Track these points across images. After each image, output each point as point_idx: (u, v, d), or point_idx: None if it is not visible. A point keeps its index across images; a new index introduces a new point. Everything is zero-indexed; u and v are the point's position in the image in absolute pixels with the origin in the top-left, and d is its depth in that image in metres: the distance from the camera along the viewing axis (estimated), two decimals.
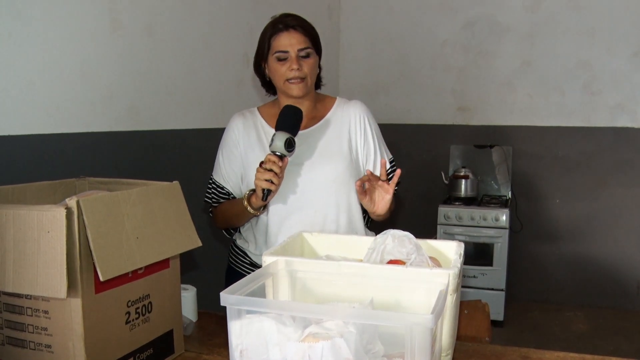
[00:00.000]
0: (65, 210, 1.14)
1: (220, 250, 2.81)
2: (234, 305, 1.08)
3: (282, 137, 1.56)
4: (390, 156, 1.85)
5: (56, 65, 2.04)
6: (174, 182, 1.43)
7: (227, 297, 1.08)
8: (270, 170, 1.54)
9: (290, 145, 1.57)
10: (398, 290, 1.26)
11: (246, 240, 1.83)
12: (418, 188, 4.27)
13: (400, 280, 1.25)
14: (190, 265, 2.63)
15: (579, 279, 4.16)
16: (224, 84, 3.03)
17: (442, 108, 4.35)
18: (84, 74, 2.17)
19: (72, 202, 1.14)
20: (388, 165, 1.79)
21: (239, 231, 1.87)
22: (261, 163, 1.57)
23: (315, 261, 1.33)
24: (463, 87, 4.29)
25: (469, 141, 4.26)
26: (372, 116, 1.83)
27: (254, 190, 1.61)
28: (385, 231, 1.39)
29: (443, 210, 3.88)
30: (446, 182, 4.08)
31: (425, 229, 3.87)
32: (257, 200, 1.60)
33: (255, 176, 1.57)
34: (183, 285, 1.67)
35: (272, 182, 1.55)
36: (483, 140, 4.21)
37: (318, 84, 1.82)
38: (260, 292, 1.27)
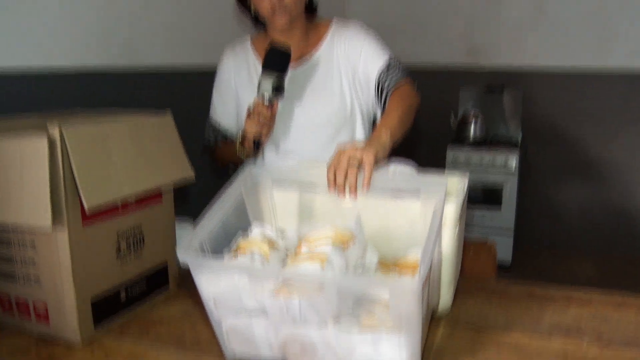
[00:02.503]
0: (48, 139, 1.08)
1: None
2: (194, 267, 1.00)
3: (270, 80, 1.43)
4: (387, 55, 1.63)
5: None
6: (165, 113, 1.37)
7: (184, 256, 0.99)
8: (259, 117, 1.44)
9: (279, 88, 1.44)
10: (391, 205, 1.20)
11: None
12: (426, 131, 4.17)
13: (396, 190, 1.19)
14: (187, 204, 2.58)
15: (589, 225, 4.10)
16: (225, 17, 2.91)
17: (451, 51, 4.20)
18: (75, 6, 2.07)
19: (54, 130, 1.08)
20: (382, 65, 1.60)
21: None
22: (249, 110, 1.46)
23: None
24: (473, 30, 4.13)
25: (479, 84, 4.13)
26: (362, 30, 1.65)
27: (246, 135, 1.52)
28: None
29: (451, 153, 3.80)
30: (455, 125, 3.99)
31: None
32: (249, 148, 1.51)
33: (245, 123, 1.47)
34: (180, 218, 1.62)
35: (261, 132, 1.46)
36: (493, 82, 4.08)
37: (311, 8, 1.67)
38: (240, 214, 1.21)
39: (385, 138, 1.33)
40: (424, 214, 1.17)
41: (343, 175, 1.15)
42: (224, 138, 1.72)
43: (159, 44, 2.54)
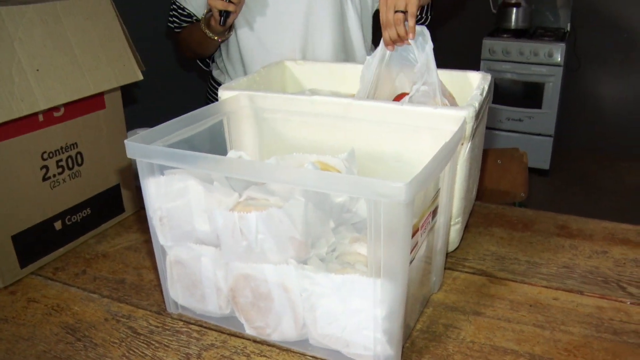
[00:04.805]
0: None
1: (196, 84, 2.47)
2: (143, 157, 0.77)
3: None
4: None
5: None
6: None
7: (133, 147, 0.77)
8: None
9: None
10: (394, 137, 0.92)
11: (222, 72, 1.50)
12: (461, 18, 3.70)
13: (393, 125, 0.90)
14: (156, 105, 2.29)
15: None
16: None
17: None
18: None
19: None
20: None
21: (215, 61, 1.53)
22: None
23: (281, 96, 0.99)
24: None
25: None
26: None
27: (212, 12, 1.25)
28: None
29: (488, 43, 3.36)
30: (494, 11, 3.51)
31: (466, 65, 3.39)
32: (216, 24, 1.24)
33: None
34: (139, 130, 1.39)
35: (229, 1, 1.20)
36: None
37: None
38: (212, 139, 0.96)
39: None
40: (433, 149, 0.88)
41: (395, 33, 1.06)
42: (189, 18, 1.43)
43: None
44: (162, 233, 0.82)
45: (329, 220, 0.79)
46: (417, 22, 1.06)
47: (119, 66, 1.08)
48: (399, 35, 1.05)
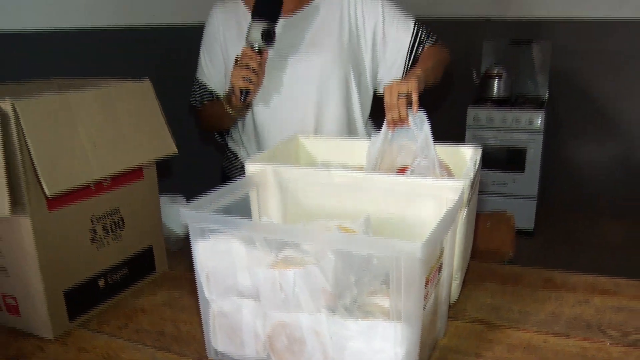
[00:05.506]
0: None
1: (216, 157, 2.65)
2: (195, 223, 0.91)
3: (259, 27, 1.35)
4: (412, 21, 1.56)
5: None
6: (144, 80, 1.24)
7: (188, 214, 0.91)
8: (247, 66, 1.35)
9: (268, 36, 1.36)
10: (401, 203, 1.07)
11: (237, 144, 1.66)
12: (446, 88, 3.97)
13: (399, 193, 1.06)
14: (181, 175, 2.46)
15: (618, 188, 3.87)
16: None
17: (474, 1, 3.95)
18: None
19: (6, 105, 0.96)
20: (411, 35, 1.55)
21: (230, 134, 1.69)
22: (237, 59, 1.38)
23: (303, 170, 1.14)
24: None
25: (504, 36, 3.88)
26: None
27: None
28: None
29: (472, 111, 3.60)
30: (477, 81, 3.77)
31: (452, 133, 3.61)
32: (236, 101, 1.41)
33: (232, 74, 1.38)
34: (171, 196, 1.52)
35: (250, 81, 1.37)
36: (520, 34, 3.83)
37: None
38: (243, 206, 1.11)
39: (421, 74, 1.32)
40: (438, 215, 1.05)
41: (397, 114, 1.21)
42: (210, 96, 1.60)
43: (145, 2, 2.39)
44: (207, 288, 0.95)
45: (350, 275, 0.93)
46: None
47: (157, 141, 1.23)
48: (400, 117, 1.21)
